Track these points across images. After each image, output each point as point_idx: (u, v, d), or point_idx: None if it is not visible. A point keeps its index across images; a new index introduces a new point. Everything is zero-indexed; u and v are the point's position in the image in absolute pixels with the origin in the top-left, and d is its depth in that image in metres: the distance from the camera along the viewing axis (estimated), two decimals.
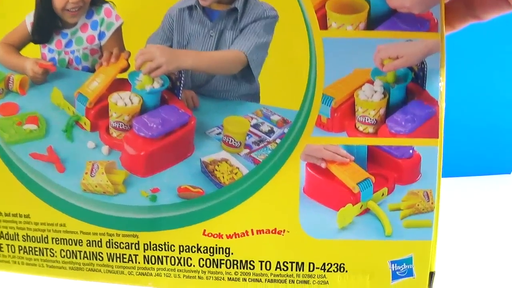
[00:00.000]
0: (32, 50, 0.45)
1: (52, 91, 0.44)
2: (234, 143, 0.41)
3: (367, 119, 0.40)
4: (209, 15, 0.42)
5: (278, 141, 0.40)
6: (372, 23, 0.39)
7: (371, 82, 0.40)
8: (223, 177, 0.40)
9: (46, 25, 0.44)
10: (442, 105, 0.40)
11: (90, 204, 0.41)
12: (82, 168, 0.41)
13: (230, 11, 0.42)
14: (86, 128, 0.43)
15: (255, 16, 0.41)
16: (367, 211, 0.40)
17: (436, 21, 0.38)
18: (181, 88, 0.41)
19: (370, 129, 0.40)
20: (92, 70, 0.45)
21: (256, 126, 0.41)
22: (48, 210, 0.42)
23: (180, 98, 0.42)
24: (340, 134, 0.40)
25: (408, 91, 0.41)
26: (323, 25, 0.39)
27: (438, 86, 0.39)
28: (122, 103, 0.42)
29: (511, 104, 1.04)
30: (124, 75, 0.42)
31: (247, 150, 0.41)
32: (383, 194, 0.40)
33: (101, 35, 0.44)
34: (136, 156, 0.41)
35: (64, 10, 0.44)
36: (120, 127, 0.42)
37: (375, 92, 0.40)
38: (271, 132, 0.41)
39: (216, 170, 0.40)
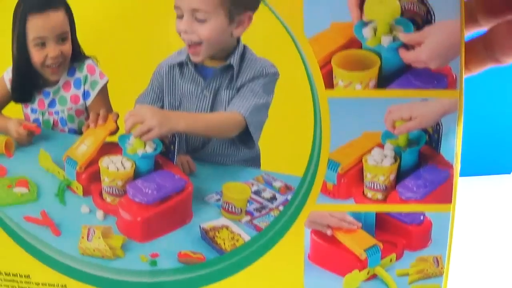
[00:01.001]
0: (15, 109, 0.39)
1: (40, 154, 0.38)
2: (235, 210, 0.36)
3: (376, 185, 0.34)
4: (202, 73, 0.36)
5: (281, 208, 0.35)
6: (384, 80, 0.33)
7: (381, 146, 0.34)
8: (224, 243, 0.35)
9: (26, 83, 0.38)
10: (457, 167, 0.34)
11: (89, 267, 0.37)
12: (78, 232, 0.37)
13: (225, 68, 0.36)
14: (78, 193, 0.38)
15: (253, 73, 0.35)
16: (374, 276, 0.36)
17: (455, 77, 0.32)
18: (176, 153, 0.36)
19: (379, 196, 0.35)
20: (79, 132, 0.39)
21: (257, 192, 0.36)
22: (48, 272, 0.38)
23: (175, 163, 0.36)
24: (347, 201, 0.35)
25: (421, 154, 0.35)
26: (329, 83, 0.33)
27: (454, 149, 0.33)
28: (114, 168, 0.36)
29: (511, 104, 0.99)
30: (114, 138, 0.37)
31: (248, 217, 0.36)
32: (391, 260, 0.35)
33: (85, 95, 0.38)
34: (132, 221, 0.36)
35: (43, 67, 0.38)
36: (114, 192, 0.37)
37: (385, 156, 0.34)
38: (273, 198, 0.35)
39: (217, 237, 0.36)
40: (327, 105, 0.34)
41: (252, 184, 0.36)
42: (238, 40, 0.35)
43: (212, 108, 0.36)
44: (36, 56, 0.37)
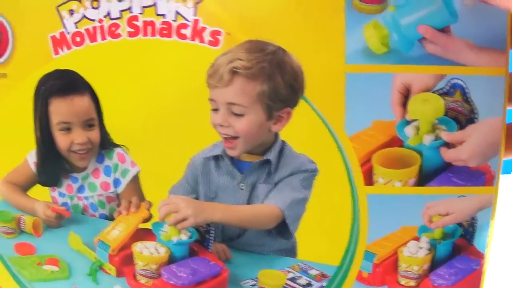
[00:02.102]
0: (42, 191, 0.37)
1: (69, 236, 0.36)
2: None
3: (410, 274, 0.34)
4: (238, 167, 0.34)
5: None
6: (423, 177, 0.32)
7: (417, 239, 0.34)
8: None
9: (52, 168, 0.36)
10: (488, 256, 0.34)
11: None
12: None
13: (262, 163, 0.34)
14: (111, 274, 0.36)
15: (291, 169, 0.33)
16: None
17: (493, 174, 0.32)
18: (211, 241, 0.35)
19: (412, 283, 0.34)
20: (110, 217, 0.37)
21: (293, 279, 0.35)
22: None
23: (209, 250, 0.35)
24: (381, 287, 0.35)
25: (454, 245, 0.34)
26: (369, 180, 0.32)
27: (486, 240, 0.33)
28: (148, 253, 0.35)
29: None
30: (147, 224, 0.35)
31: None
32: None
33: (116, 183, 0.36)
34: None
35: (69, 152, 0.35)
36: (148, 274, 0.35)
37: (421, 248, 0.34)
38: (308, 285, 0.35)
39: None
40: (366, 201, 0.32)
41: (288, 272, 0.36)
42: (276, 135, 0.33)
43: (249, 201, 0.34)
44: (61, 141, 0.35)
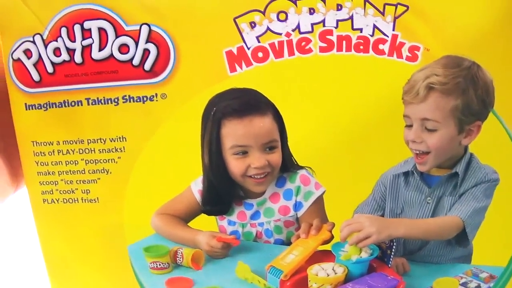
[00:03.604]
0: (206, 221, 0.35)
1: (237, 266, 0.34)
2: None
3: None
4: (427, 181, 0.35)
5: None
6: None
7: None
8: None
9: (222, 195, 0.33)
10: None
11: None
12: None
13: (450, 176, 0.35)
14: None
15: (476, 180, 0.34)
16: None
17: None
18: (392, 256, 0.35)
19: None
20: (287, 242, 0.35)
21: (464, 284, 0.37)
22: None
23: (389, 266, 0.35)
24: None
25: None
26: None
27: None
28: (324, 274, 0.34)
29: None
30: (325, 246, 0.35)
31: None
32: None
33: (297, 206, 0.34)
34: None
35: (245, 177, 0.33)
36: None
37: None
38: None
39: None
40: None
41: (461, 278, 0.38)
42: (465, 148, 0.34)
43: (433, 214, 0.35)
44: (236, 166, 0.32)
